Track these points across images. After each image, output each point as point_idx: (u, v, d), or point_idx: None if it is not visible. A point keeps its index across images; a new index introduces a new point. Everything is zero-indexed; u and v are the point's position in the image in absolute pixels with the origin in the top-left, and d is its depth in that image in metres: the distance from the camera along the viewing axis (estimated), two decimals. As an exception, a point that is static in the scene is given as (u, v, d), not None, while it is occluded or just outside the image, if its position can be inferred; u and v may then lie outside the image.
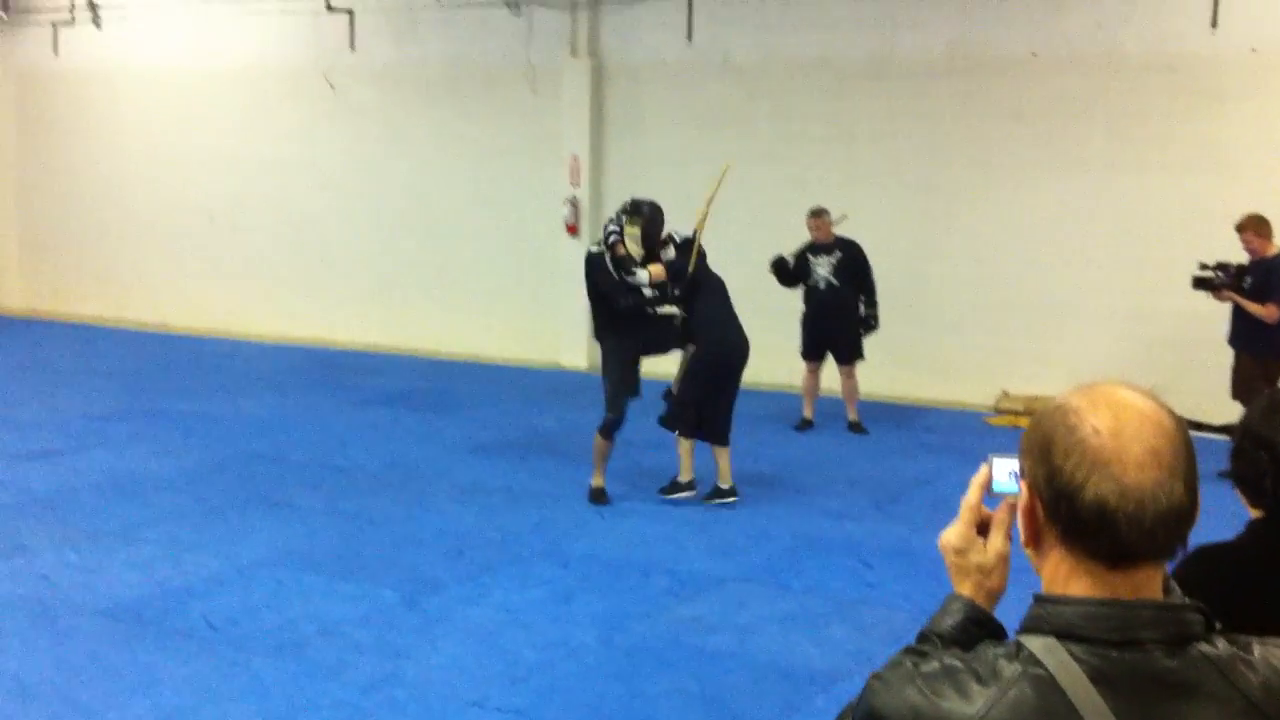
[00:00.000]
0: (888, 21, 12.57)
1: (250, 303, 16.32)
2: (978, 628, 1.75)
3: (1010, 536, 1.77)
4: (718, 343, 8.59)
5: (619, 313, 8.55)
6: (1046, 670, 1.49)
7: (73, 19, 17.08)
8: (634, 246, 8.56)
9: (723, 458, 8.70)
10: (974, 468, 1.80)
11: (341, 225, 15.69)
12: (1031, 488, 1.57)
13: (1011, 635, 1.60)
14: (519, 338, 14.47)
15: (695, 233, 8.75)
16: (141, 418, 11.08)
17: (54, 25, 17.33)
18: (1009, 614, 1.75)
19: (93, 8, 16.91)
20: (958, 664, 1.55)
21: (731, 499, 8.63)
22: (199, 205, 16.62)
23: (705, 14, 13.41)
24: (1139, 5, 11.47)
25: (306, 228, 15.92)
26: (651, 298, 8.57)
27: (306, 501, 8.55)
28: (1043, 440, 1.56)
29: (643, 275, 8.51)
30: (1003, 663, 1.52)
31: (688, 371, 8.67)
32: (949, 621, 1.75)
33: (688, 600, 6.75)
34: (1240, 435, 2.74)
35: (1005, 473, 1.75)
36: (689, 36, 13.50)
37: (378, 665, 5.80)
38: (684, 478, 8.72)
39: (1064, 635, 1.51)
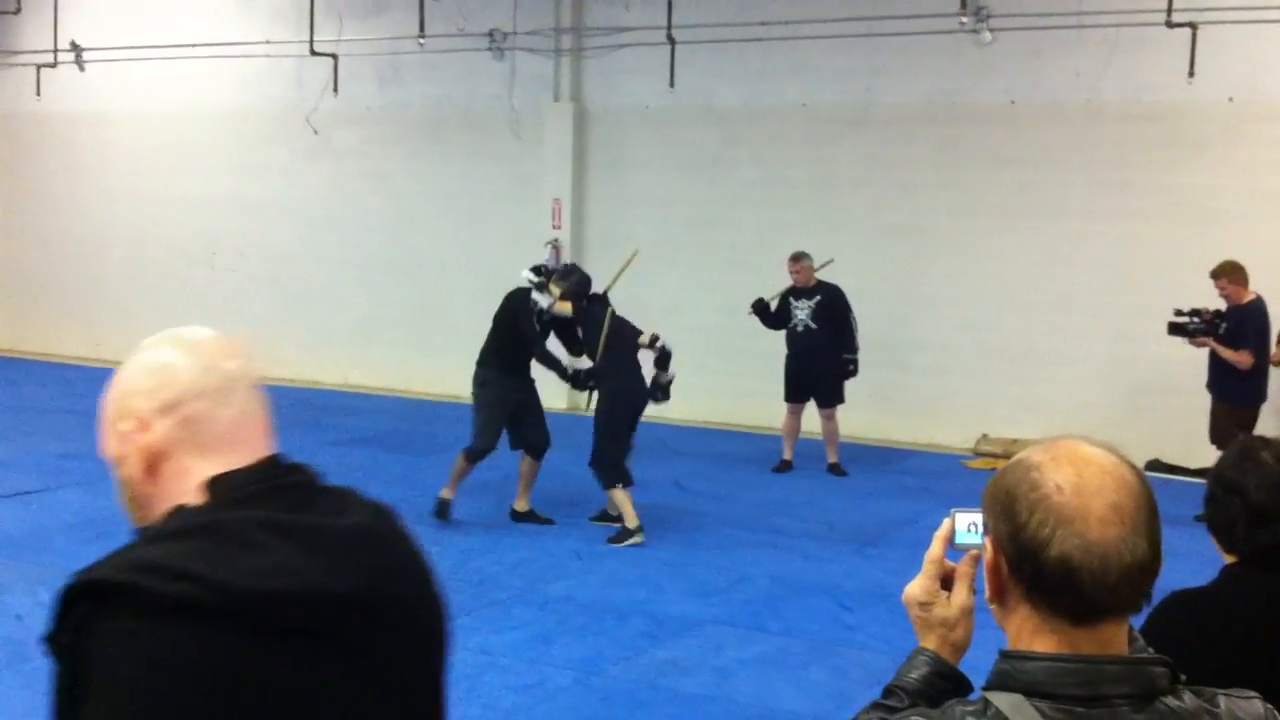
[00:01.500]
0: (868, 69, 12.69)
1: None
2: (943, 680, 1.74)
3: (974, 589, 1.77)
4: (622, 389, 8.81)
5: (524, 355, 8.89)
6: None
7: (55, 61, 17.11)
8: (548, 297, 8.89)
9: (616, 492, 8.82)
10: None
11: (323, 266, 15.69)
12: (995, 544, 1.57)
13: (977, 691, 1.59)
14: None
15: (607, 312, 9.01)
16: (118, 458, 11.00)
17: (37, 67, 17.34)
18: (972, 666, 1.75)
19: (76, 50, 16.94)
20: None
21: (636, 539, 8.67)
22: (180, 245, 16.62)
23: (687, 61, 13.50)
24: (1117, 55, 11.60)
25: (288, 268, 15.91)
26: (568, 374, 9.10)
27: (283, 542, 8.48)
28: (1005, 497, 1.56)
29: (543, 299, 8.82)
30: (970, 719, 1.51)
31: (602, 426, 8.84)
32: (914, 674, 1.75)
33: (665, 643, 6.72)
34: (1213, 482, 2.76)
35: (967, 525, 1.75)
36: (671, 83, 13.59)
37: (353, 707, 5.74)
38: (630, 524, 8.71)
39: (1031, 692, 1.51)
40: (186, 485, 1.62)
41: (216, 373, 1.67)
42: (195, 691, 1.44)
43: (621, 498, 8.72)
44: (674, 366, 9.14)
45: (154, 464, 1.64)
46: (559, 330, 9.16)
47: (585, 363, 9.19)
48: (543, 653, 6.53)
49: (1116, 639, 1.55)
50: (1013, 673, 1.53)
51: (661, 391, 9.15)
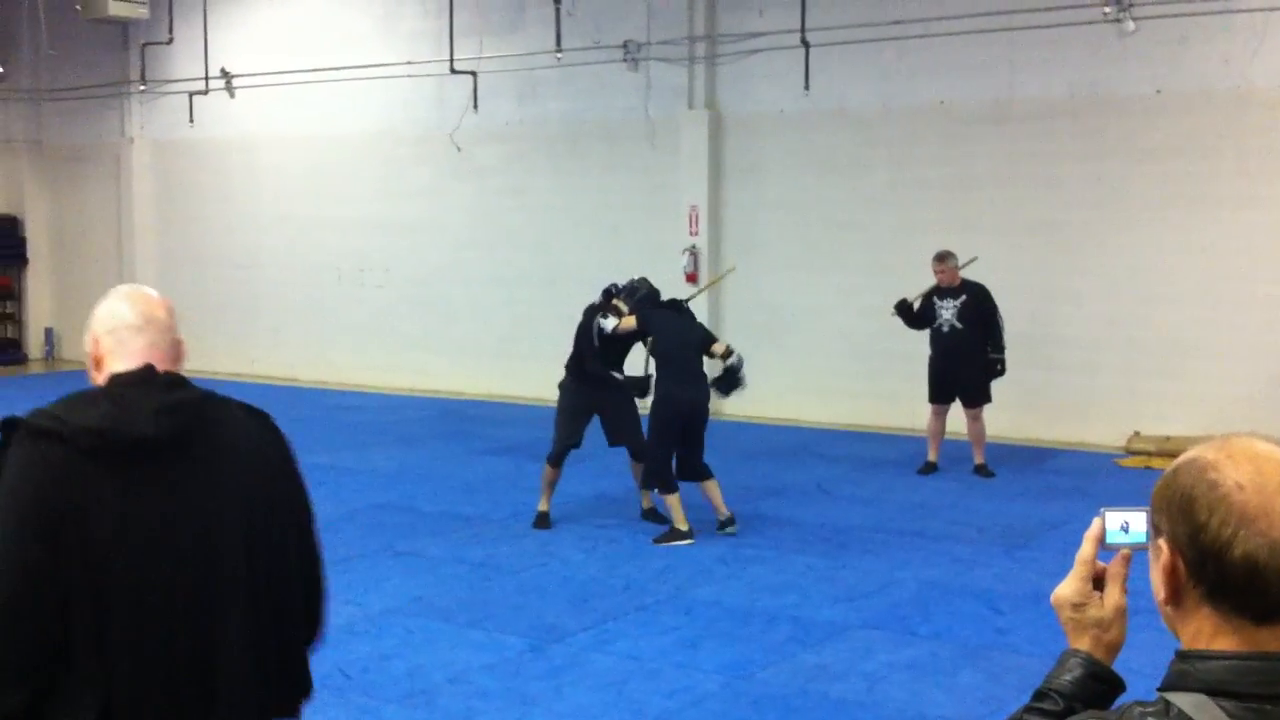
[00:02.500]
0: (1006, 64, 12.50)
1: (379, 357, 16.66)
2: (1098, 682, 1.72)
3: (1126, 589, 1.76)
4: (667, 396, 8.92)
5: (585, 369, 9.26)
6: None
7: (206, 89, 17.70)
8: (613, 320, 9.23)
9: (710, 491, 8.95)
10: None
11: (468, 282, 15.97)
12: (1172, 546, 1.55)
13: (1151, 694, 1.57)
14: (641, 387, 14.55)
15: (668, 319, 9.20)
16: (275, 471, 11.33)
17: (189, 95, 17.97)
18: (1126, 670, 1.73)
19: (226, 77, 17.52)
20: None
21: (732, 528, 8.88)
22: (329, 265, 17.07)
23: (821, 64, 13.45)
24: (1268, 40, 11.26)
25: (434, 285, 16.24)
26: (623, 383, 9.31)
27: (434, 550, 8.68)
28: (1182, 497, 1.53)
29: (608, 323, 9.14)
30: None
31: (650, 431, 9.06)
32: (1068, 677, 1.73)
33: (813, 648, 6.71)
34: None
35: (1119, 525, 1.73)
36: (805, 86, 13.55)
37: (506, 713, 5.85)
38: (681, 526, 8.78)
39: (1214, 692, 1.48)
40: (106, 377, 2.62)
41: (139, 315, 2.68)
42: (44, 479, 2.46)
43: (671, 501, 8.83)
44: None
45: (96, 364, 2.67)
46: (624, 342, 9.43)
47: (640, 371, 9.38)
48: (690, 658, 6.57)
49: None
50: (1193, 673, 1.51)
51: (724, 385, 9.24)
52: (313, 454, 12.00)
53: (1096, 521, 1.76)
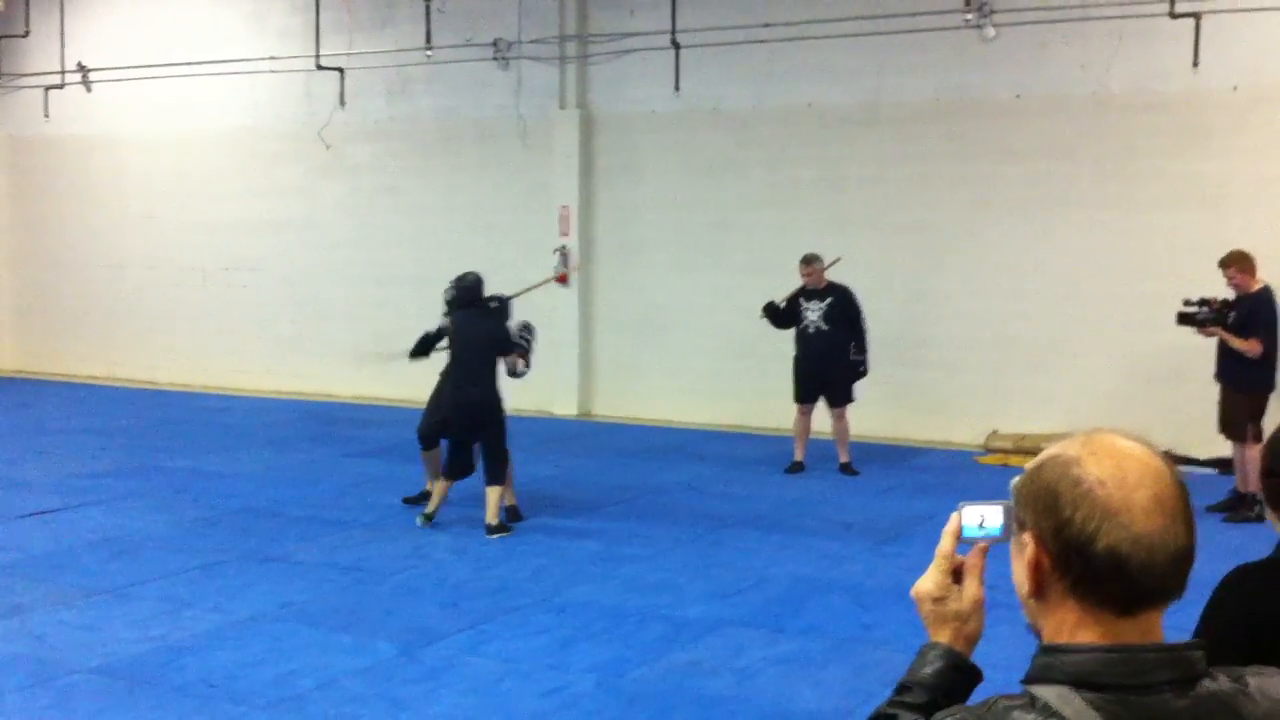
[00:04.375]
0: (875, 68, 12.71)
1: (246, 359, 16.36)
2: (958, 673, 1.75)
3: (984, 582, 1.79)
4: (435, 394, 9.58)
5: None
6: (1064, 719, 1.49)
7: (63, 82, 17.21)
8: None
9: (487, 493, 9.17)
10: None
11: (337, 279, 15.76)
12: (1037, 540, 1.57)
13: (1017, 686, 1.60)
14: (511, 386, 14.46)
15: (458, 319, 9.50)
16: (136, 475, 11.09)
17: (45, 89, 17.45)
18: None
19: (83, 71, 17.04)
20: (970, 719, 1.55)
21: (495, 535, 9.05)
22: (193, 264, 16.70)
23: (692, 64, 13.54)
24: (1123, 46, 11.62)
25: (306, 285, 15.99)
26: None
27: (303, 555, 8.55)
28: (1046, 493, 1.56)
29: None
30: (1017, 714, 1.51)
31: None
32: (929, 669, 1.76)
33: (686, 645, 6.75)
34: (1269, 457, 2.77)
35: (976, 519, 1.77)
36: (676, 86, 13.63)
37: (377, 718, 5.78)
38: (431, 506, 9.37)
39: (1077, 683, 1.51)
40: None
41: None
42: None
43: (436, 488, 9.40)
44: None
45: None
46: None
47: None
48: (563, 658, 6.56)
49: (1157, 628, 1.56)
50: (1057, 665, 1.54)
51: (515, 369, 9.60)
52: (177, 458, 11.81)
53: (954, 516, 1.79)
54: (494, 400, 9.26)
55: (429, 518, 9.30)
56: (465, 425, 9.24)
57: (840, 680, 6.21)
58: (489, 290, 9.62)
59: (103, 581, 7.90)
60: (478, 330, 9.35)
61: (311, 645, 6.75)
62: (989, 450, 11.78)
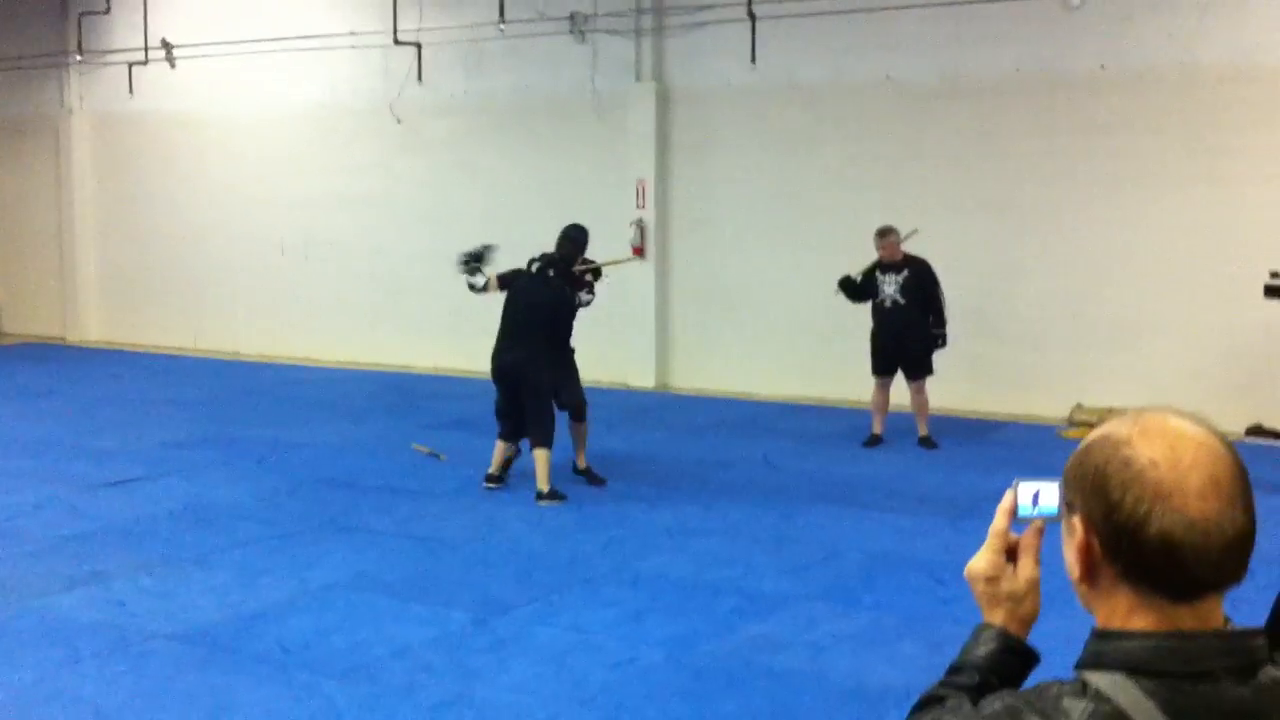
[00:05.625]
0: (955, 40, 12.51)
1: (325, 331, 16.52)
2: (1012, 655, 1.71)
3: (1039, 562, 1.73)
4: (492, 358, 9.61)
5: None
6: (1116, 707, 1.44)
7: (146, 60, 17.44)
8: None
9: (535, 459, 9.24)
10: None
11: (413, 254, 15.84)
12: (1086, 524, 1.52)
13: (1069, 674, 1.55)
14: (588, 359, 14.38)
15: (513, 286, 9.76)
16: (216, 445, 11.24)
17: (128, 66, 17.69)
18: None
19: (166, 48, 17.25)
20: (1019, 704, 1.50)
21: (543, 502, 9.12)
22: (272, 238, 16.88)
23: (769, 37, 13.42)
24: (1211, 16, 11.33)
25: (382, 260, 16.10)
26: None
27: (378, 525, 8.62)
28: (1095, 475, 1.50)
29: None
30: (1068, 701, 1.47)
31: None
32: (982, 650, 1.71)
33: (757, 619, 6.71)
34: None
35: (1031, 497, 1.71)
36: (753, 59, 13.51)
37: (448, 686, 5.81)
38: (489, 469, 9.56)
39: (1132, 671, 1.46)
40: None
41: None
42: None
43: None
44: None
45: None
46: None
47: None
48: (634, 630, 6.55)
49: (1215, 614, 1.50)
50: (1110, 652, 1.49)
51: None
52: (257, 428, 11.95)
53: (1009, 494, 1.73)
54: (534, 363, 9.33)
55: (492, 479, 9.52)
56: (506, 387, 9.45)
57: (915, 656, 6.14)
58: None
59: (182, 550, 8.01)
60: (534, 298, 9.49)
61: (385, 614, 6.80)
62: (1073, 424, 11.60)
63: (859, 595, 7.09)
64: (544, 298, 9.52)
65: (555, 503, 9.09)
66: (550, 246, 10.06)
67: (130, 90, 17.84)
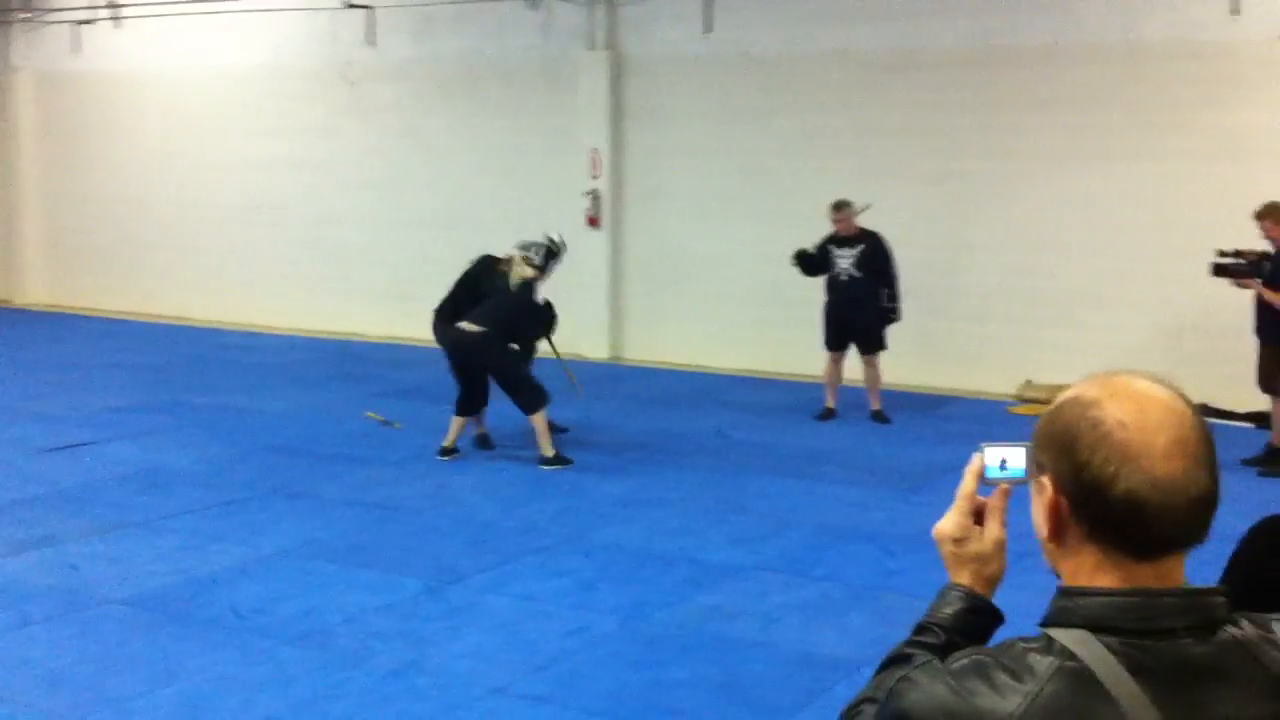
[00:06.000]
0: (908, 13, 12.55)
1: (272, 297, 16.39)
2: (977, 615, 1.74)
3: (1005, 524, 1.77)
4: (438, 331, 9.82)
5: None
6: (1082, 663, 1.47)
7: (93, 18, 17.16)
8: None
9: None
10: None
11: (361, 221, 15.74)
12: (1055, 483, 1.55)
13: (1034, 629, 1.58)
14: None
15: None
16: (164, 411, 11.15)
17: (74, 24, 17.41)
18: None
19: (113, 7, 16.99)
20: (987, 659, 1.52)
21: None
22: (219, 202, 16.70)
23: (723, 7, 13.40)
24: (1159, -6, 11.43)
25: (328, 225, 15.97)
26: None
27: (330, 493, 8.59)
28: (1064, 435, 1.53)
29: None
30: (1034, 657, 1.49)
31: None
32: (948, 610, 1.74)
33: (709, 589, 6.76)
34: None
35: (998, 460, 1.74)
36: (707, 29, 13.50)
37: (400, 653, 5.83)
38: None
39: (1095, 627, 1.50)
40: None
41: None
42: None
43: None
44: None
45: None
46: None
47: None
48: (587, 599, 6.59)
49: (1176, 572, 1.54)
50: (1075, 608, 1.52)
51: None
52: (206, 394, 11.87)
53: (976, 457, 1.77)
54: (481, 340, 9.40)
55: (446, 451, 9.55)
56: (458, 361, 9.59)
57: (863, 626, 6.22)
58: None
59: (132, 514, 7.97)
60: (499, 297, 9.62)
61: (337, 581, 6.80)
62: (1022, 400, 11.72)
63: (809, 566, 7.16)
64: (509, 304, 9.68)
65: (560, 467, 9.20)
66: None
67: (76, 50, 17.57)
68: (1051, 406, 1.60)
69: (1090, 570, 1.54)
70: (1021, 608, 1.78)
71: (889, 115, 12.74)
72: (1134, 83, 11.61)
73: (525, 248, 9.88)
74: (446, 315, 9.76)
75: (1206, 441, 1.53)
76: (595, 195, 14.09)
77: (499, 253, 10.07)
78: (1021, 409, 11.49)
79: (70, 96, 17.89)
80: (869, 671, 1.83)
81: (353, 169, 15.74)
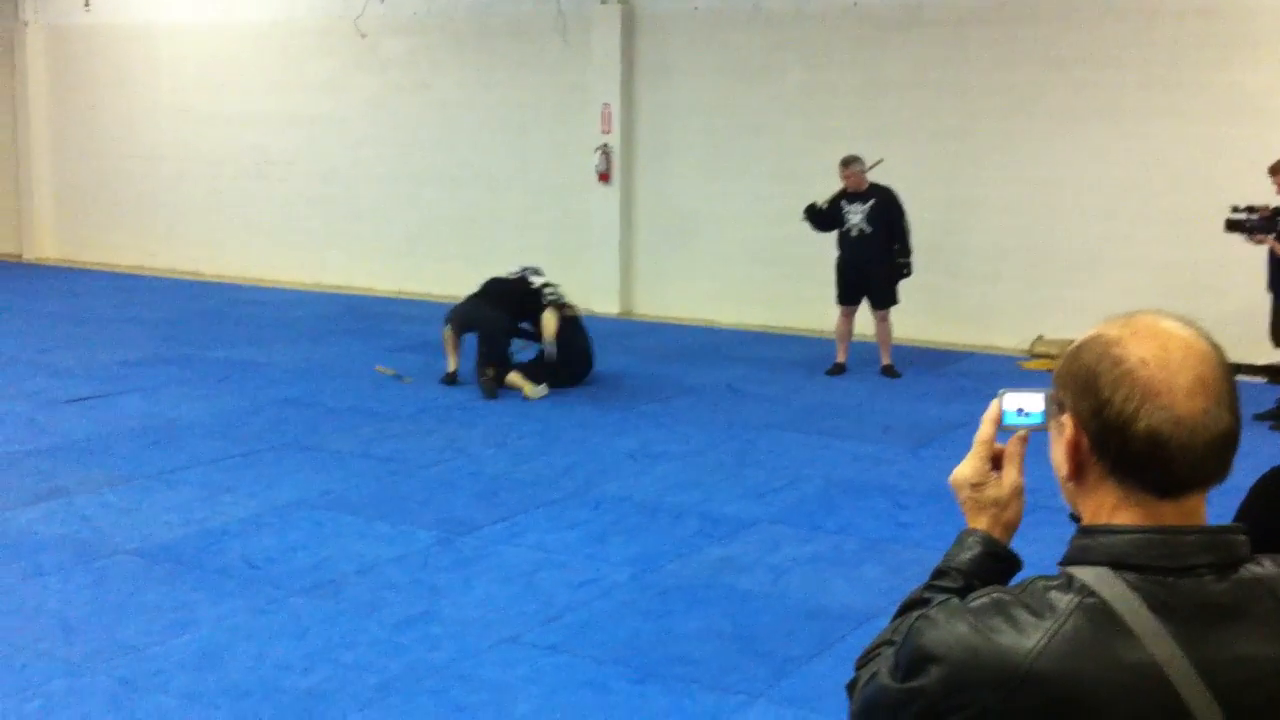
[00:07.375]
0: (921, -33, 12.43)
1: (282, 252, 16.39)
2: (996, 560, 1.73)
3: (1023, 470, 1.76)
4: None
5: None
6: (1102, 599, 1.47)
7: (103, -30, 17.09)
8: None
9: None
10: None
11: (371, 175, 15.71)
12: (1075, 421, 1.54)
13: (1048, 570, 1.57)
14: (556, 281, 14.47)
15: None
16: (175, 364, 11.17)
17: (85, -23, 17.34)
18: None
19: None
20: (1007, 597, 1.52)
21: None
22: (229, 157, 16.68)
23: (736, -40, 13.29)
24: (1176, -52, 11.32)
25: (336, 181, 15.95)
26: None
27: (341, 445, 8.61)
28: (1086, 374, 1.53)
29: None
30: (1054, 594, 1.49)
31: None
32: (966, 555, 1.74)
33: (720, 541, 6.78)
34: None
35: (1016, 407, 1.74)
36: (719, -18, 13.39)
37: (413, 603, 5.85)
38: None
39: (1116, 565, 1.49)
40: None
41: None
42: None
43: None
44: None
45: None
46: None
47: None
48: (598, 551, 6.61)
49: (1198, 511, 1.53)
50: (1095, 546, 1.52)
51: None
52: (216, 348, 11.88)
53: (995, 403, 1.76)
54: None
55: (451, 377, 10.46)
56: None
57: (874, 579, 6.23)
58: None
59: (144, 467, 7.99)
60: (498, 303, 10.64)
61: (349, 532, 6.82)
62: (1033, 355, 11.70)
63: (820, 520, 7.17)
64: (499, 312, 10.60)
65: (543, 391, 10.04)
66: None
67: (86, 3, 17.48)
68: (1073, 346, 1.59)
69: (1111, 509, 1.54)
70: (1034, 559, 1.77)
71: (900, 72, 12.65)
72: (1147, 42, 11.52)
73: (536, 277, 10.90)
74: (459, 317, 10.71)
75: (1228, 380, 1.52)
76: (607, 151, 14.03)
77: (503, 271, 11.04)
78: (1033, 364, 11.48)
79: (81, 51, 17.84)
80: (882, 622, 1.83)
81: (364, 123, 15.69)
